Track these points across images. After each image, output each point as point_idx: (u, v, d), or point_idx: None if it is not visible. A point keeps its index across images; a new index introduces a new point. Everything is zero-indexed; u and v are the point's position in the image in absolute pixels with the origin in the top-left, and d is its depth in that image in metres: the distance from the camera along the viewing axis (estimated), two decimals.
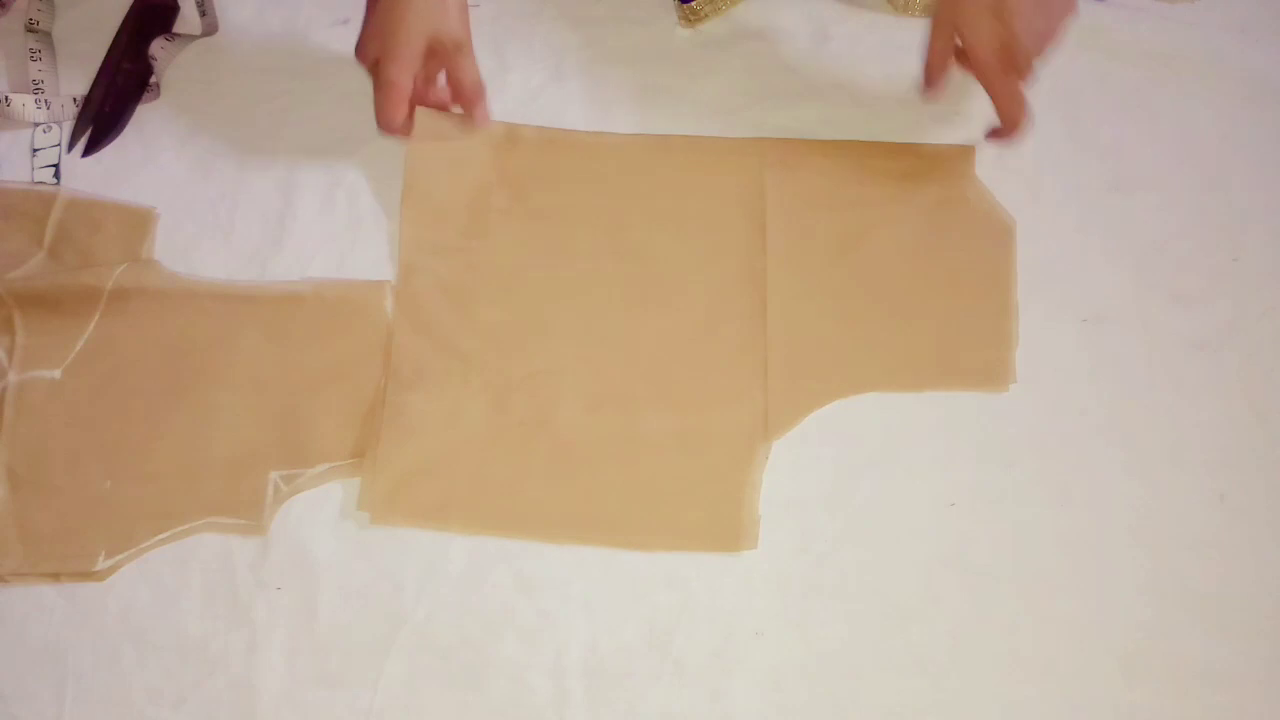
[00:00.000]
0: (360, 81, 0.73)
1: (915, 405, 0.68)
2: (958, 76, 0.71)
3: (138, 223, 0.71)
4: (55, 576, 0.64)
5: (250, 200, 0.73)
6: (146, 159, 0.73)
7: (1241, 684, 0.62)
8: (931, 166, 0.73)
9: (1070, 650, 0.63)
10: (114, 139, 0.74)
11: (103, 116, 0.74)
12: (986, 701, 0.62)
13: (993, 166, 0.73)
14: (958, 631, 0.63)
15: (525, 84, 0.76)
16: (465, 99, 0.72)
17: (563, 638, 0.63)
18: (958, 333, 0.69)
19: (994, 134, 0.72)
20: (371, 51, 0.70)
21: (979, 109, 0.74)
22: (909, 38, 0.76)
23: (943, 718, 0.62)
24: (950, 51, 0.70)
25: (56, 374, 0.67)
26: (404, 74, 0.69)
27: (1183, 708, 0.61)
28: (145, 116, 0.75)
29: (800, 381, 0.68)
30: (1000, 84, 0.68)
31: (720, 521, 0.65)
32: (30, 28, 0.76)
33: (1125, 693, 0.62)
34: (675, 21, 0.77)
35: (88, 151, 0.74)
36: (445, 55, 0.70)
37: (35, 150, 0.74)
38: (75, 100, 0.75)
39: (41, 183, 0.73)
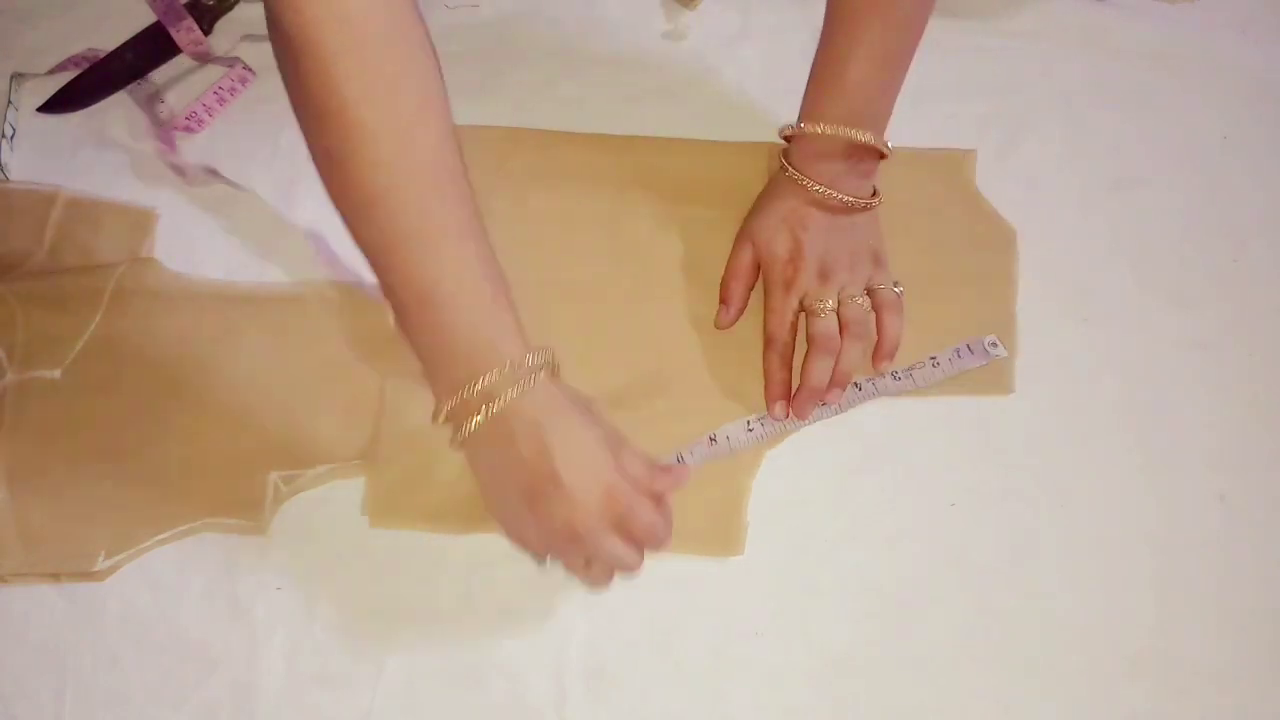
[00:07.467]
0: None
1: (915, 405, 0.67)
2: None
3: (138, 223, 0.71)
4: (55, 576, 0.64)
5: (250, 200, 0.73)
6: (147, 159, 0.73)
7: (1242, 684, 0.62)
8: (932, 171, 0.73)
9: (1070, 650, 0.62)
10: (71, 110, 0.75)
11: (75, 88, 0.75)
12: (987, 701, 0.62)
13: (994, 168, 0.73)
14: (958, 631, 0.63)
15: (524, 85, 0.76)
16: None
17: (563, 638, 0.63)
18: (958, 338, 0.68)
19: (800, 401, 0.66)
20: None
21: (979, 112, 0.74)
22: None
23: (943, 718, 0.62)
24: (748, 264, 0.68)
25: (56, 374, 0.67)
26: None
27: (1183, 707, 0.61)
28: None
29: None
30: (778, 300, 0.66)
31: (711, 527, 0.65)
32: None
33: (1126, 692, 0.62)
34: (675, 21, 0.78)
35: (44, 109, 0.74)
36: None
37: None
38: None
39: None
